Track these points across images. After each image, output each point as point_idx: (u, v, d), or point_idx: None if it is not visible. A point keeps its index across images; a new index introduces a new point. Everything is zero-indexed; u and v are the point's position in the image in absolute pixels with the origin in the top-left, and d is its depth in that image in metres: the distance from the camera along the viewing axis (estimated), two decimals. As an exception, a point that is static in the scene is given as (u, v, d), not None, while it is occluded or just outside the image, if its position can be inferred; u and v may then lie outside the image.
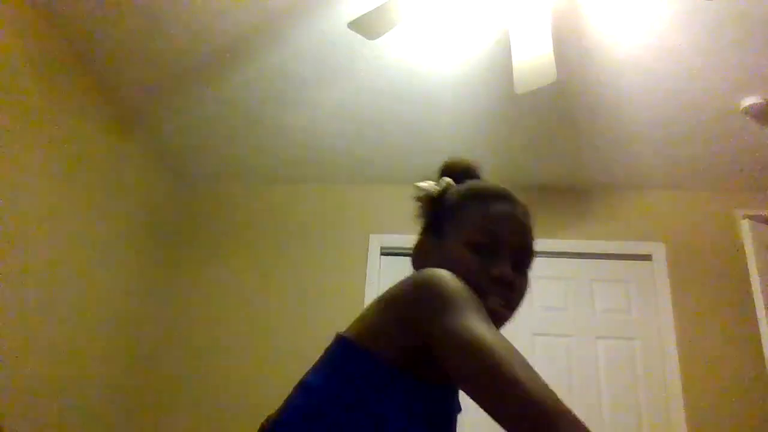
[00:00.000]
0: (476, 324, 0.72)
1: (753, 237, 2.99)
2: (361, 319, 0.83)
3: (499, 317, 0.87)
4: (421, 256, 0.98)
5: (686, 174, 3.31)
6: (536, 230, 0.99)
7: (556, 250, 3.38)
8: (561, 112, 2.91)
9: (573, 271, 3.37)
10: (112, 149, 3.06)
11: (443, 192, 1.00)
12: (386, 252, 3.51)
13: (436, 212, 0.99)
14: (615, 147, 3.13)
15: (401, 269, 3.47)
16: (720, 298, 3.19)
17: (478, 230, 0.90)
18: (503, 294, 0.88)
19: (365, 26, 2.11)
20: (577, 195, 3.52)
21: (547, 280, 3.36)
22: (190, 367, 3.34)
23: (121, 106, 3.05)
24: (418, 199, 1.02)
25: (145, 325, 3.37)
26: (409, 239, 3.85)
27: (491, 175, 3.57)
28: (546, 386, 0.66)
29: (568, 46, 2.50)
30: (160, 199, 3.56)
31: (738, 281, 3.19)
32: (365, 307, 0.84)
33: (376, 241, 3.52)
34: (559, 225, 3.46)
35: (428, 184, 1.02)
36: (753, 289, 2.90)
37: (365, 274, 3.44)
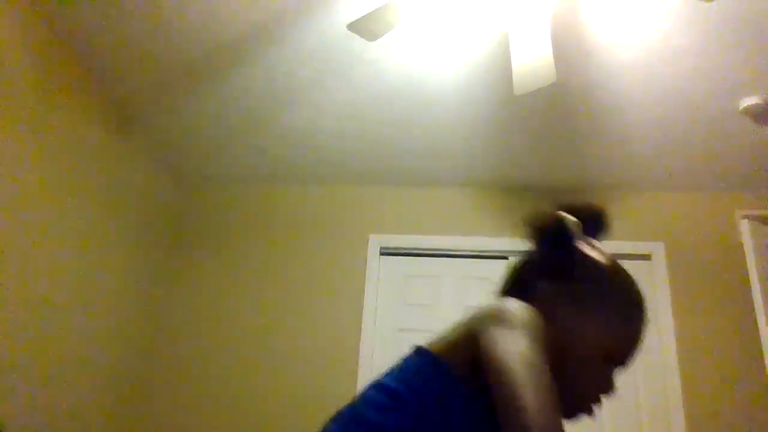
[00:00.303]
0: (518, 341, 0.74)
1: (753, 237, 2.99)
2: (442, 336, 0.87)
3: (581, 415, 0.90)
4: (533, 302, 0.89)
5: (686, 174, 3.31)
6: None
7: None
8: (561, 112, 2.91)
9: (573, 271, 3.37)
10: (112, 149, 3.06)
11: (594, 259, 0.93)
12: (386, 252, 3.51)
13: (574, 271, 0.92)
14: (615, 147, 3.13)
15: (401, 269, 3.49)
16: (720, 298, 3.20)
17: (622, 348, 0.89)
18: (599, 400, 0.90)
19: (364, 28, 2.11)
20: (578, 195, 3.52)
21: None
22: (191, 366, 3.35)
23: (121, 105, 3.06)
24: (556, 232, 0.93)
25: (145, 325, 3.37)
26: (409, 239, 3.80)
27: (491, 175, 3.54)
28: (554, 422, 0.67)
29: (567, 47, 2.50)
30: (160, 200, 3.56)
31: (738, 281, 3.20)
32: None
33: (376, 241, 3.52)
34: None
35: (577, 227, 0.94)
36: (752, 289, 2.90)
37: (365, 274, 3.44)
